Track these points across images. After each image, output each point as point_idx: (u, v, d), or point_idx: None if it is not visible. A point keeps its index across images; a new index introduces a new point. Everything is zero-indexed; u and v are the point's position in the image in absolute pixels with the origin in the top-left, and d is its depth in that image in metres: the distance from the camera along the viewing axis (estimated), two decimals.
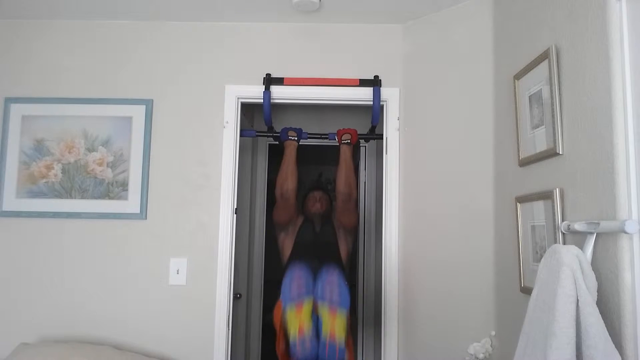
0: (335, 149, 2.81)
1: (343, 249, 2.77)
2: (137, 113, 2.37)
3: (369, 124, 2.69)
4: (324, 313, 2.00)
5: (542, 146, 1.53)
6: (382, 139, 2.48)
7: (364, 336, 3.55)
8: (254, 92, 2.40)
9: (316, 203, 2.84)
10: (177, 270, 2.30)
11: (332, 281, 2.04)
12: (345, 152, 2.71)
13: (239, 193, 2.44)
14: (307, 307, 2.02)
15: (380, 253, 2.61)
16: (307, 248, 2.71)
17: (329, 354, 1.97)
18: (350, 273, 4.29)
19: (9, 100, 2.38)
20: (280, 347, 2.21)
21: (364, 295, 3.59)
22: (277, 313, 2.20)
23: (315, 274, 2.11)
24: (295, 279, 2.08)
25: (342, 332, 2.00)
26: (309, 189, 3.00)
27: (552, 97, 1.45)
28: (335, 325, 1.98)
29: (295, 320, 2.01)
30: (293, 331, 2.01)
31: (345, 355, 2.04)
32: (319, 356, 2.01)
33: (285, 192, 2.69)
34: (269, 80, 2.39)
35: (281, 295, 2.08)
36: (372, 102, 2.38)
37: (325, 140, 2.91)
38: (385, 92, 2.39)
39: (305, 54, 2.44)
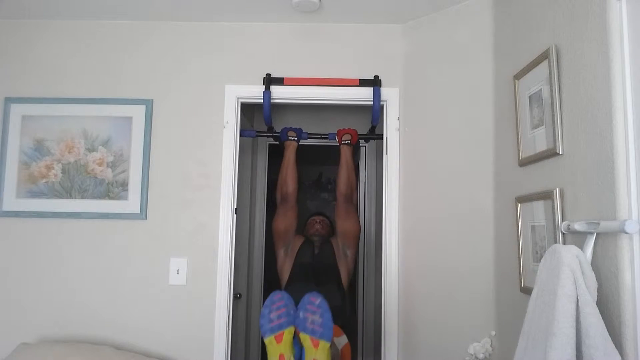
0: (335, 149, 2.82)
1: (343, 270, 2.75)
2: (137, 113, 2.37)
3: (369, 124, 2.70)
4: (307, 343, 1.91)
5: (542, 146, 1.53)
6: (382, 139, 2.48)
7: (364, 336, 3.55)
8: (254, 92, 2.40)
9: (316, 224, 2.88)
10: (177, 270, 2.30)
11: (314, 308, 1.93)
12: (345, 153, 2.71)
13: (239, 193, 2.44)
14: (287, 336, 1.93)
15: (380, 253, 2.62)
16: (306, 270, 2.69)
17: None
18: (351, 299, 4.30)
19: (9, 100, 2.38)
20: None
21: (364, 294, 3.59)
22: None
23: (298, 299, 2.00)
24: (274, 307, 1.96)
25: None
26: (310, 214, 3.04)
27: (552, 97, 1.45)
28: (317, 355, 1.90)
29: (276, 351, 1.91)
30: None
31: None
32: None
33: (285, 194, 2.70)
34: (269, 80, 2.39)
35: (260, 326, 1.95)
36: (372, 102, 2.38)
37: (325, 140, 2.91)
38: (385, 92, 2.39)
39: (305, 54, 2.44)
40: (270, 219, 3.61)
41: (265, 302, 1.97)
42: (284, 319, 1.92)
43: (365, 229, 3.64)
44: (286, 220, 2.75)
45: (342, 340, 2.29)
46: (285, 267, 2.77)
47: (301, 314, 1.92)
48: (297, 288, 2.52)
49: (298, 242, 2.82)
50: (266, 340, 1.93)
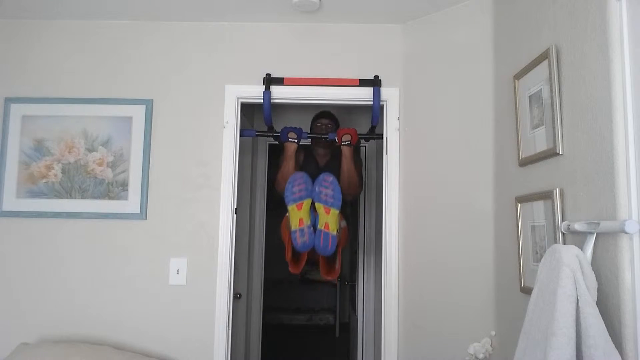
0: (335, 149, 2.81)
1: (345, 184, 2.75)
2: (137, 113, 2.37)
3: (369, 124, 2.69)
4: (320, 210, 2.39)
5: (542, 146, 1.53)
6: (382, 139, 2.48)
7: (364, 336, 3.55)
8: (254, 92, 2.40)
9: (322, 132, 2.83)
10: (177, 270, 2.30)
11: (327, 184, 2.38)
12: (345, 154, 2.71)
13: (239, 193, 2.45)
14: (306, 205, 2.41)
15: (380, 253, 2.62)
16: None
17: (323, 241, 2.36)
18: (351, 274, 4.30)
19: (9, 100, 2.38)
20: (288, 254, 2.58)
21: (364, 294, 3.59)
22: (284, 225, 2.58)
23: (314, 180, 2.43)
24: (296, 182, 2.42)
25: (335, 225, 2.38)
26: (315, 116, 2.97)
27: (552, 97, 1.45)
28: (329, 219, 2.37)
29: (296, 216, 2.39)
30: (294, 223, 2.39)
31: (336, 244, 2.40)
32: (315, 244, 2.38)
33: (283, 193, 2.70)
34: (269, 80, 2.39)
35: (284, 197, 2.42)
36: (372, 102, 2.38)
37: (325, 140, 2.90)
38: (385, 92, 2.39)
39: (305, 54, 2.44)
40: (270, 219, 3.63)
41: (289, 180, 2.45)
42: (303, 192, 2.41)
43: (365, 229, 3.64)
44: None
45: (342, 223, 2.61)
46: (284, 174, 2.71)
47: (317, 189, 2.40)
48: (299, 172, 2.60)
49: (300, 156, 2.81)
50: (289, 208, 2.42)
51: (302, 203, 2.40)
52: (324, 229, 2.36)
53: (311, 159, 2.90)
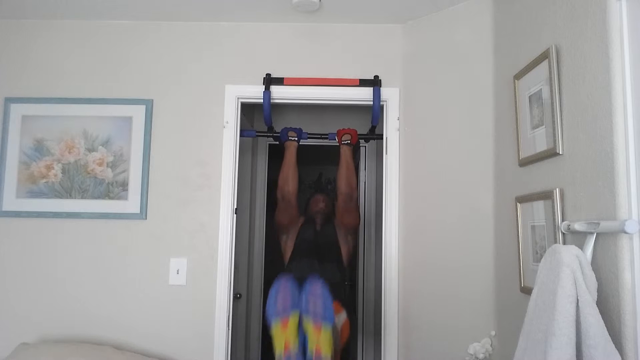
0: (335, 149, 2.81)
1: (344, 248, 2.79)
2: (137, 113, 2.37)
3: (369, 124, 2.70)
4: (309, 328, 1.97)
5: (542, 146, 1.53)
6: (382, 139, 2.47)
7: (364, 335, 3.55)
8: (254, 92, 2.40)
9: (319, 203, 2.90)
10: (177, 270, 2.30)
11: (315, 293, 2.00)
12: (345, 153, 2.71)
13: (239, 193, 2.44)
14: (292, 322, 1.98)
15: (380, 252, 2.62)
16: (309, 247, 2.73)
17: None
18: (351, 272, 4.30)
19: (9, 100, 2.38)
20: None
21: (364, 294, 3.59)
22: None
23: (302, 283, 2.05)
24: (280, 292, 2.02)
25: (328, 348, 1.97)
26: (311, 193, 3.07)
27: (552, 97, 1.45)
28: (320, 340, 1.95)
29: (282, 337, 1.97)
30: (279, 348, 1.97)
31: None
32: None
33: (286, 194, 2.70)
34: (269, 80, 2.39)
35: (266, 310, 2.02)
36: (372, 102, 2.38)
37: (325, 140, 2.91)
38: (385, 92, 2.39)
39: (305, 54, 2.44)
40: (270, 219, 3.63)
41: (271, 287, 2.04)
42: (289, 302, 1.99)
43: (365, 229, 3.64)
44: (288, 216, 2.77)
45: (342, 317, 2.32)
46: (287, 246, 2.81)
47: (304, 298, 1.99)
48: (299, 264, 2.61)
49: (299, 222, 2.85)
50: (273, 326, 1.98)
51: (288, 320, 1.98)
52: (315, 356, 1.94)
53: (309, 224, 2.84)
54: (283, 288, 2.02)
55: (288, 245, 2.81)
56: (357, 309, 3.61)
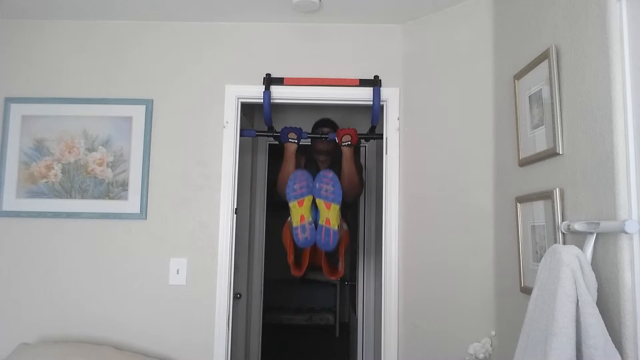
0: (336, 154, 2.81)
1: (347, 190, 2.78)
2: (137, 113, 2.37)
3: (369, 124, 2.70)
4: (321, 206, 2.42)
5: (542, 146, 1.53)
6: (382, 139, 2.48)
7: (364, 336, 3.55)
8: (254, 92, 2.40)
9: (322, 143, 2.84)
10: (177, 270, 2.30)
11: (327, 180, 2.43)
12: (346, 155, 2.70)
13: (239, 193, 2.44)
14: (307, 202, 2.45)
15: (380, 252, 2.62)
16: None
17: (325, 237, 2.39)
18: (351, 272, 4.30)
19: (9, 100, 2.38)
20: (290, 257, 2.61)
21: (364, 294, 3.59)
22: (286, 230, 2.59)
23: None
24: (297, 179, 2.46)
25: (336, 221, 2.41)
26: (315, 123, 2.95)
27: (552, 97, 1.45)
28: (330, 215, 2.40)
29: (298, 212, 2.43)
30: (296, 220, 2.42)
31: (338, 239, 2.43)
32: (316, 240, 2.41)
33: (284, 195, 2.69)
34: (269, 80, 2.39)
35: (286, 194, 2.46)
36: (372, 102, 2.38)
37: (325, 140, 2.90)
38: (385, 92, 2.39)
39: (305, 54, 2.44)
40: (270, 219, 3.63)
41: (290, 177, 2.48)
42: (305, 189, 2.45)
43: (365, 229, 3.64)
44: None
45: (344, 226, 2.63)
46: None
47: (317, 185, 2.44)
48: (300, 169, 2.67)
49: (301, 162, 2.84)
50: (290, 205, 2.45)
51: (304, 200, 2.43)
52: (325, 224, 2.40)
53: (312, 163, 2.91)
54: (300, 176, 2.47)
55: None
56: (357, 309, 3.61)
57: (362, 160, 3.74)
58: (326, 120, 2.96)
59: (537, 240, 1.56)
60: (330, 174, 2.44)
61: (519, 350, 1.34)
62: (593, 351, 1.08)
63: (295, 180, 2.46)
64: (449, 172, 2.15)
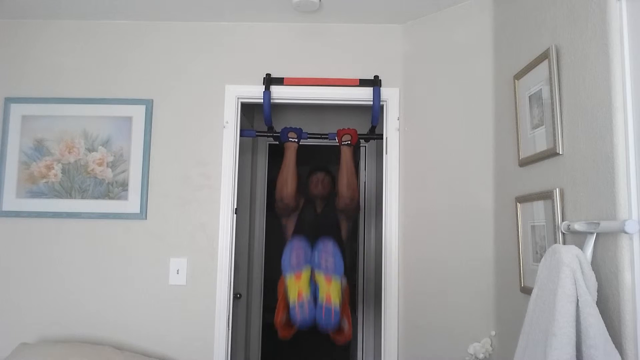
0: (336, 149, 2.81)
1: (344, 229, 2.86)
2: (137, 113, 2.37)
3: (369, 124, 2.70)
4: (321, 280, 2.21)
5: (542, 146, 1.53)
6: (382, 139, 2.47)
7: (364, 336, 3.55)
8: (254, 92, 2.40)
9: (318, 185, 2.93)
10: (177, 270, 2.30)
11: (327, 250, 2.26)
12: (345, 154, 2.71)
13: (239, 193, 2.44)
14: (305, 275, 2.23)
15: (380, 253, 2.62)
16: (310, 227, 2.79)
17: (325, 316, 2.16)
18: (351, 271, 4.30)
19: (9, 100, 2.38)
20: (279, 317, 2.35)
21: (364, 294, 3.59)
22: (281, 286, 2.38)
23: (312, 245, 2.32)
24: (294, 250, 2.29)
25: (337, 297, 2.20)
26: (310, 170, 3.04)
27: (552, 97, 1.45)
28: (330, 290, 2.19)
29: (295, 287, 2.21)
30: (293, 296, 2.20)
31: (339, 318, 2.22)
32: (316, 319, 2.19)
33: (284, 196, 2.70)
34: (269, 80, 2.39)
35: (282, 266, 2.28)
36: (372, 102, 2.38)
37: (325, 140, 2.91)
38: (385, 92, 2.39)
39: (305, 54, 2.44)
40: (270, 219, 3.63)
41: (286, 247, 2.31)
42: (302, 259, 2.27)
43: (365, 229, 3.64)
44: (286, 210, 2.82)
45: (343, 282, 2.48)
46: (289, 226, 2.88)
47: (316, 255, 2.27)
48: (297, 238, 2.64)
49: (300, 203, 2.88)
50: (287, 279, 2.25)
51: (301, 273, 2.24)
52: (325, 302, 2.17)
53: (310, 204, 2.95)
54: (297, 246, 2.30)
55: (289, 225, 2.88)
56: (357, 308, 3.61)
57: (362, 161, 3.74)
58: (321, 166, 3.04)
59: (537, 240, 1.56)
60: (330, 244, 2.30)
61: (519, 350, 1.34)
62: (593, 351, 1.08)
63: (292, 250, 2.29)
64: (448, 172, 2.15)
